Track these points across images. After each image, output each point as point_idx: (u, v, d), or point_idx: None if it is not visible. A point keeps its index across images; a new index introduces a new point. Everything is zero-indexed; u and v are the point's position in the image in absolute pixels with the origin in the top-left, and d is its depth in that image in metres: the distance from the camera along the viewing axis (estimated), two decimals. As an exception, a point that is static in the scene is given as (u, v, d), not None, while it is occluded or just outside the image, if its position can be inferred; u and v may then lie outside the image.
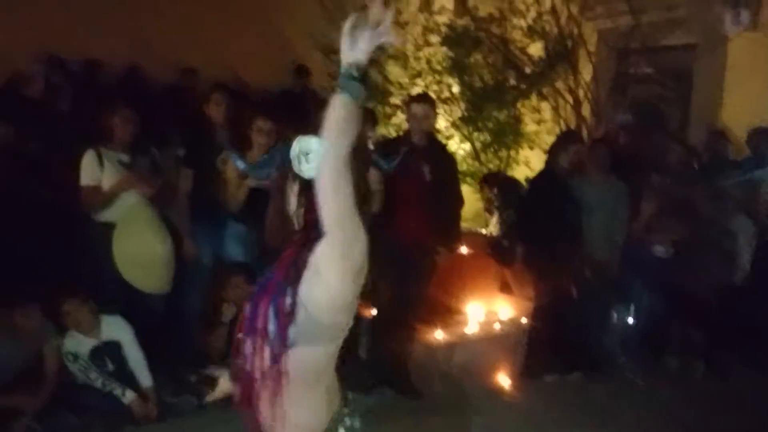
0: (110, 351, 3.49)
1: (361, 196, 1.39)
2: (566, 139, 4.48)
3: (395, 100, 5.96)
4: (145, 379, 3.49)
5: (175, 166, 3.86)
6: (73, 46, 4.39)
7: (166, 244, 3.60)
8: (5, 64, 4.18)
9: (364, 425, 1.52)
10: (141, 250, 3.52)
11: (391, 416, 3.39)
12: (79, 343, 3.42)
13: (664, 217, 4.21)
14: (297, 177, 1.45)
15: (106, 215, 3.57)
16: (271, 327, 1.39)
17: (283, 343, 1.37)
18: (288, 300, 1.37)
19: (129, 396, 3.38)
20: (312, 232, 1.39)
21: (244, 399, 1.49)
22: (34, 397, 3.22)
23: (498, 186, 5.29)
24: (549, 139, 5.30)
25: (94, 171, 3.53)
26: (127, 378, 3.47)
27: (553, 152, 4.34)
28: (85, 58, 4.75)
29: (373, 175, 1.60)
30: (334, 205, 1.32)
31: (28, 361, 3.33)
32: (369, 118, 4.30)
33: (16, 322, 3.21)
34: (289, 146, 1.46)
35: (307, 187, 1.41)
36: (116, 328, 3.51)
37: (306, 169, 1.44)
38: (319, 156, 1.37)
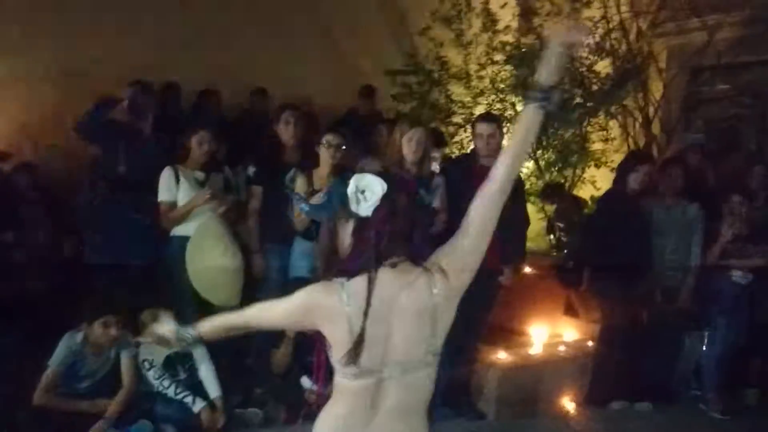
0: (182, 360, 3.63)
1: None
2: (636, 158, 4.36)
3: (457, 119, 5.97)
4: (214, 389, 3.60)
5: (246, 184, 4.00)
6: (153, 71, 4.64)
7: (236, 258, 3.73)
8: (93, 85, 4.46)
9: None
10: (212, 264, 3.65)
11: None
12: (154, 352, 3.57)
13: (741, 242, 4.02)
14: (352, 216, 1.50)
15: (181, 230, 3.73)
16: None
17: None
18: None
19: (198, 405, 3.49)
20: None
21: None
22: (114, 403, 3.37)
23: (559, 202, 5.20)
24: (616, 158, 5.19)
25: (171, 188, 3.71)
26: (196, 388, 3.59)
27: (621, 172, 4.23)
28: (164, 82, 5.01)
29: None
30: (491, 212, 1.49)
31: (109, 369, 3.51)
32: (436, 138, 4.33)
33: (98, 334, 3.37)
34: (346, 185, 1.50)
35: (361, 226, 1.48)
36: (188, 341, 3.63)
37: (363, 207, 1.48)
38: (376, 195, 1.47)
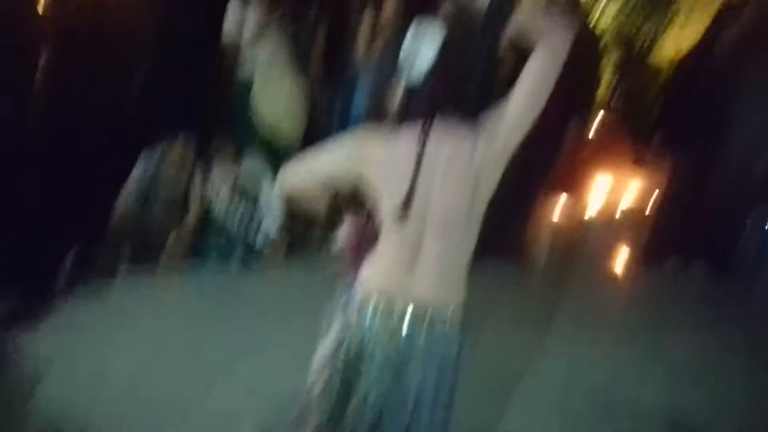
0: (248, 191, 3.78)
1: None
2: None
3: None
4: (277, 220, 3.78)
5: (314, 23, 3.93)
6: None
7: (301, 98, 3.78)
8: None
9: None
10: (278, 101, 3.72)
11: (501, 285, 3.37)
12: (222, 180, 3.75)
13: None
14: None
15: (247, 69, 3.75)
16: None
17: None
18: None
19: (262, 234, 3.70)
20: None
21: None
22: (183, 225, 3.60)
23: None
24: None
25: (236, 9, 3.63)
26: (261, 217, 3.79)
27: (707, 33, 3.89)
28: None
29: None
30: (548, 78, 1.41)
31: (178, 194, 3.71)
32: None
33: (174, 156, 3.54)
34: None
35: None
36: (258, 171, 3.76)
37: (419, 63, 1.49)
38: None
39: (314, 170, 1.58)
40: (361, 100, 3.85)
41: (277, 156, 3.87)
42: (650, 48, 5.42)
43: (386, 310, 1.47)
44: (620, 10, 5.47)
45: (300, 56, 3.87)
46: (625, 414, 2.43)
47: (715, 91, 3.79)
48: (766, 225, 4.08)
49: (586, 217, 4.33)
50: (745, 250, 4.26)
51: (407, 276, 1.48)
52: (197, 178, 3.69)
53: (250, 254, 3.72)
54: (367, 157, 1.51)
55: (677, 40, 5.40)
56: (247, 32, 3.68)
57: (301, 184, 1.63)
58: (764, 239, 4.13)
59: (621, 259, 4.07)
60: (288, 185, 1.65)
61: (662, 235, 3.99)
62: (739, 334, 3.15)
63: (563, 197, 4.42)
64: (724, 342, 3.05)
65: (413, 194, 1.45)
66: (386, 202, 1.50)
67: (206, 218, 3.72)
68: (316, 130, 3.96)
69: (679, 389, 2.63)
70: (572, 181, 4.46)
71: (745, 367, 2.84)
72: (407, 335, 1.45)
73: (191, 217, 3.66)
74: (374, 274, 1.52)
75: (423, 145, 1.45)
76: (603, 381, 2.63)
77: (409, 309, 1.46)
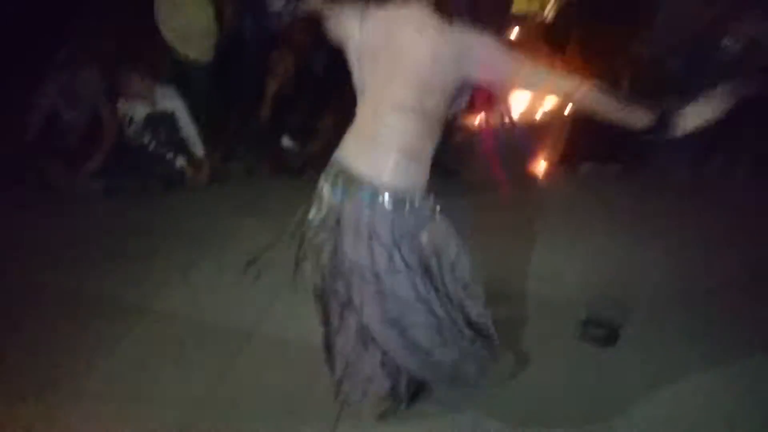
0: (163, 120, 3.66)
1: None
2: None
3: None
4: (196, 147, 3.68)
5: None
6: None
7: (207, 12, 3.54)
8: None
9: None
10: (184, 18, 3.48)
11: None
12: (135, 109, 3.58)
13: (735, 12, 3.80)
14: None
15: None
16: None
17: None
18: None
19: (180, 161, 3.61)
20: None
21: None
22: (96, 153, 3.46)
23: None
24: None
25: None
26: (179, 146, 3.67)
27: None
28: None
29: None
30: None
31: (88, 123, 3.54)
32: None
33: (78, 86, 3.33)
34: None
35: None
36: (170, 99, 3.64)
37: None
38: None
39: None
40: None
41: (186, 76, 3.71)
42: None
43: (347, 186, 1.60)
44: None
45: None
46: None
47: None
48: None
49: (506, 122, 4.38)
50: (654, 148, 4.48)
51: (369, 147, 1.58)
52: (108, 105, 3.50)
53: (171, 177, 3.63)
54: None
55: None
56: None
57: None
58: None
59: (539, 163, 4.19)
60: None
61: (577, 141, 4.12)
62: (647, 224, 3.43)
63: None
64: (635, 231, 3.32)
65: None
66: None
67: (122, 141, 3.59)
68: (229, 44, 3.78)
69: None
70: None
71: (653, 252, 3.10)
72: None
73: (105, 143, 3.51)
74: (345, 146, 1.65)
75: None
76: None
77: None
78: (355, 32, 1.57)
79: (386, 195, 1.57)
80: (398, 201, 1.58)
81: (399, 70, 1.51)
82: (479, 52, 1.50)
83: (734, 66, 3.95)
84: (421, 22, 1.50)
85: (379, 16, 1.55)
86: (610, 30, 3.86)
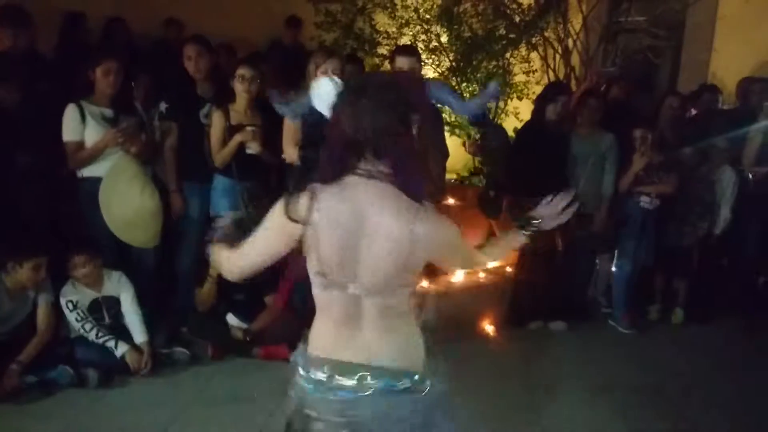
0: (109, 305, 3.55)
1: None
2: (554, 89, 4.45)
3: (383, 50, 5.87)
4: (139, 334, 3.53)
5: (160, 120, 3.83)
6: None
7: (153, 198, 3.60)
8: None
9: None
10: (127, 205, 3.52)
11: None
12: (81, 294, 3.48)
13: (651, 170, 4.23)
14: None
15: (91, 171, 3.56)
16: None
17: None
18: None
19: (121, 349, 3.44)
20: None
21: None
22: (28, 346, 3.28)
23: (484, 130, 5.28)
24: (538, 89, 5.27)
25: (77, 127, 3.50)
26: (122, 332, 3.53)
27: (540, 103, 4.31)
28: (66, 11, 4.65)
29: None
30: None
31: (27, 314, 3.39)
32: (356, 67, 4.27)
33: (26, 276, 3.24)
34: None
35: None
36: (118, 285, 3.56)
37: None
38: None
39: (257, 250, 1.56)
40: (220, 195, 3.79)
41: (131, 260, 3.69)
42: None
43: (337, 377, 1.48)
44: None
45: (151, 156, 3.74)
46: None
47: (555, 153, 4.19)
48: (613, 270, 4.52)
49: (450, 286, 4.52)
50: (596, 299, 4.70)
51: (351, 340, 1.49)
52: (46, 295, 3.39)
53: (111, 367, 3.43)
54: (289, 225, 1.46)
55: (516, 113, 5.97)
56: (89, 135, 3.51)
57: (249, 267, 1.60)
58: (609, 285, 4.58)
59: (488, 322, 4.26)
60: (237, 271, 1.62)
61: (524, 299, 4.25)
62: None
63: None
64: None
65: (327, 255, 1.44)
66: (309, 263, 1.49)
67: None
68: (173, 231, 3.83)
69: None
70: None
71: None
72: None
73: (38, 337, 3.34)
74: (319, 338, 1.54)
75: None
76: None
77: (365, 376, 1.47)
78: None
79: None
80: None
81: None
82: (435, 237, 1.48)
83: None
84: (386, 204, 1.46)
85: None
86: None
